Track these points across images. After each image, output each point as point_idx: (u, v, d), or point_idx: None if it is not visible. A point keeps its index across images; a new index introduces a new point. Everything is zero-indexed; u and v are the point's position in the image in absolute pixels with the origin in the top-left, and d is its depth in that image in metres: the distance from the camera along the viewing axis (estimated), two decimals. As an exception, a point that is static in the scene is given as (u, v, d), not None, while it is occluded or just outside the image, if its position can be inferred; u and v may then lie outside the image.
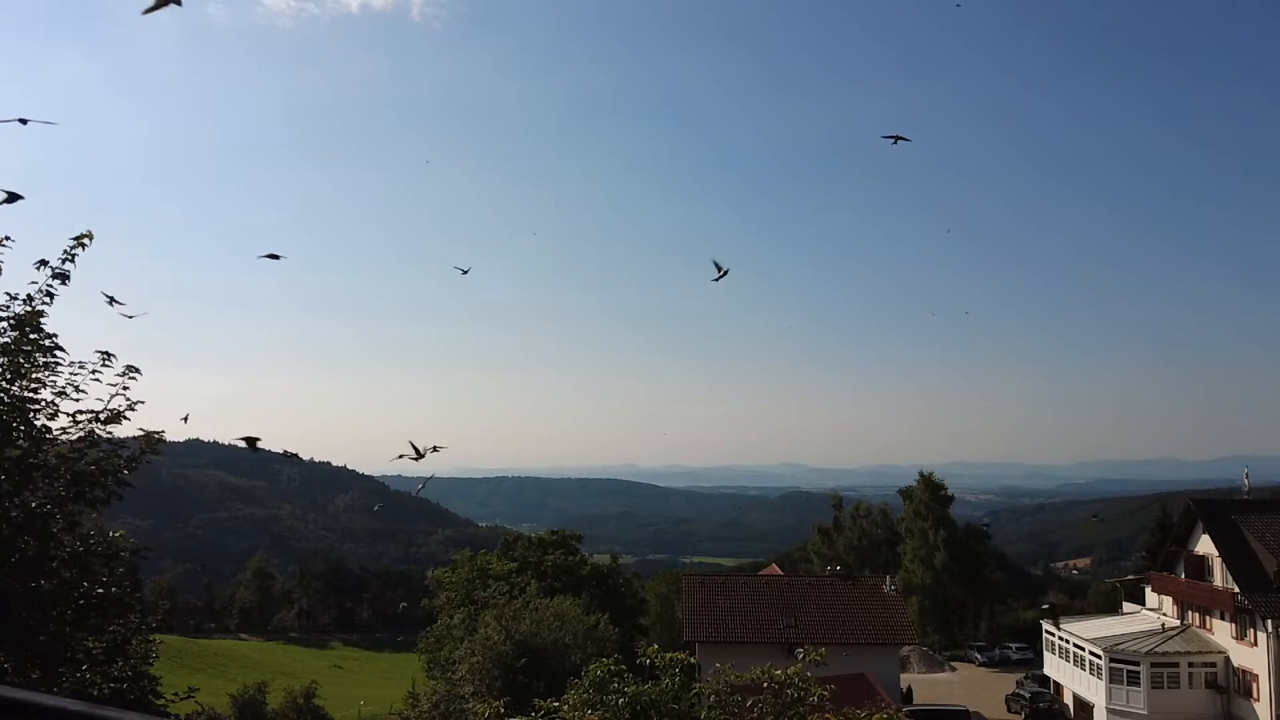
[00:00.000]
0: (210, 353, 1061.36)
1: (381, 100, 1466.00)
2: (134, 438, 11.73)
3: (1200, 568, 47.82)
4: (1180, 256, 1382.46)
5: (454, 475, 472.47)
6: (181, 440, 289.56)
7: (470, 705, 26.98)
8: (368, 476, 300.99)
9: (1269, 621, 42.06)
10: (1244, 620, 44.22)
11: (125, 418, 11.31)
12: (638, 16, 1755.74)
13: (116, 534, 11.96)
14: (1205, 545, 47.44)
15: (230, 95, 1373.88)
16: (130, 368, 11.25)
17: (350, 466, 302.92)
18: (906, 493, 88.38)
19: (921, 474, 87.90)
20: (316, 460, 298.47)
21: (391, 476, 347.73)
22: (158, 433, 11.69)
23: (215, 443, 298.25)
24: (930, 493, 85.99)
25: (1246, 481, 53.16)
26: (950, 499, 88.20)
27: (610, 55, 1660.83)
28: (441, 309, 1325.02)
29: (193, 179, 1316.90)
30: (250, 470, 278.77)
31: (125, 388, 11.23)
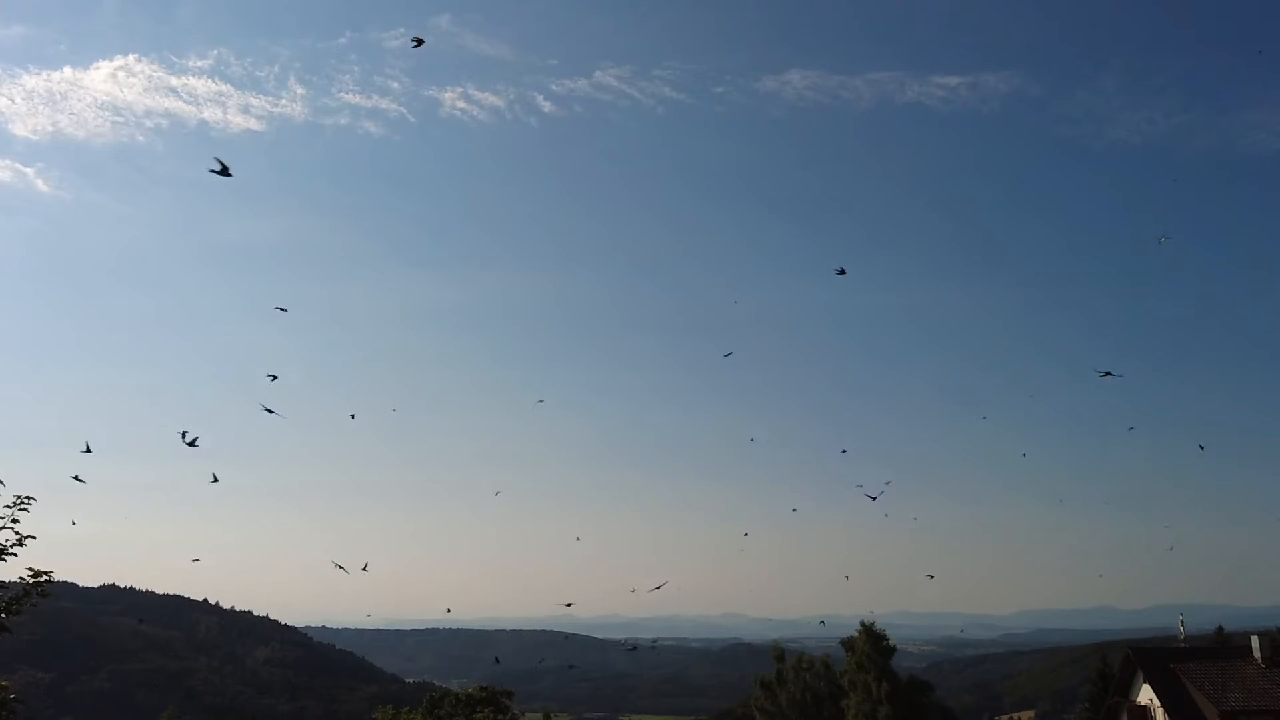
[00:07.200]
0: (124, 498, 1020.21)
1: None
2: (20, 580, 10.86)
3: (1143, 718, 47.20)
4: (1121, 407, 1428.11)
5: (380, 627, 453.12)
6: (96, 586, 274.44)
7: None
8: (290, 627, 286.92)
9: (1214, 775, 41.34)
10: (1189, 774, 43.41)
11: (12, 553, 10.50)
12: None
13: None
14: (1147, 695, 47.02)
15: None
16: (22, 497, 10.51)
17: (272, 616, 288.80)
18: (849, 643, 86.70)
19: (863, 624, 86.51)
20: (237, 609, 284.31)
21: (315, 628, 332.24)
22: (45, 572, 10.82)
23: (131, 589, 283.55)
24: (872, 643, 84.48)
25: (1182, 629, 53.17)
26: (892, 650, 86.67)
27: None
28: (368, 451, 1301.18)
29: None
30: (168, 619, 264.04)
31: (15, 520, 10.46)
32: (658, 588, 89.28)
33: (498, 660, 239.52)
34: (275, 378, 40.02)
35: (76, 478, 29.39)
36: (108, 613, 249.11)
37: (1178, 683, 45.62)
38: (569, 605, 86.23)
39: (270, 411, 27.60)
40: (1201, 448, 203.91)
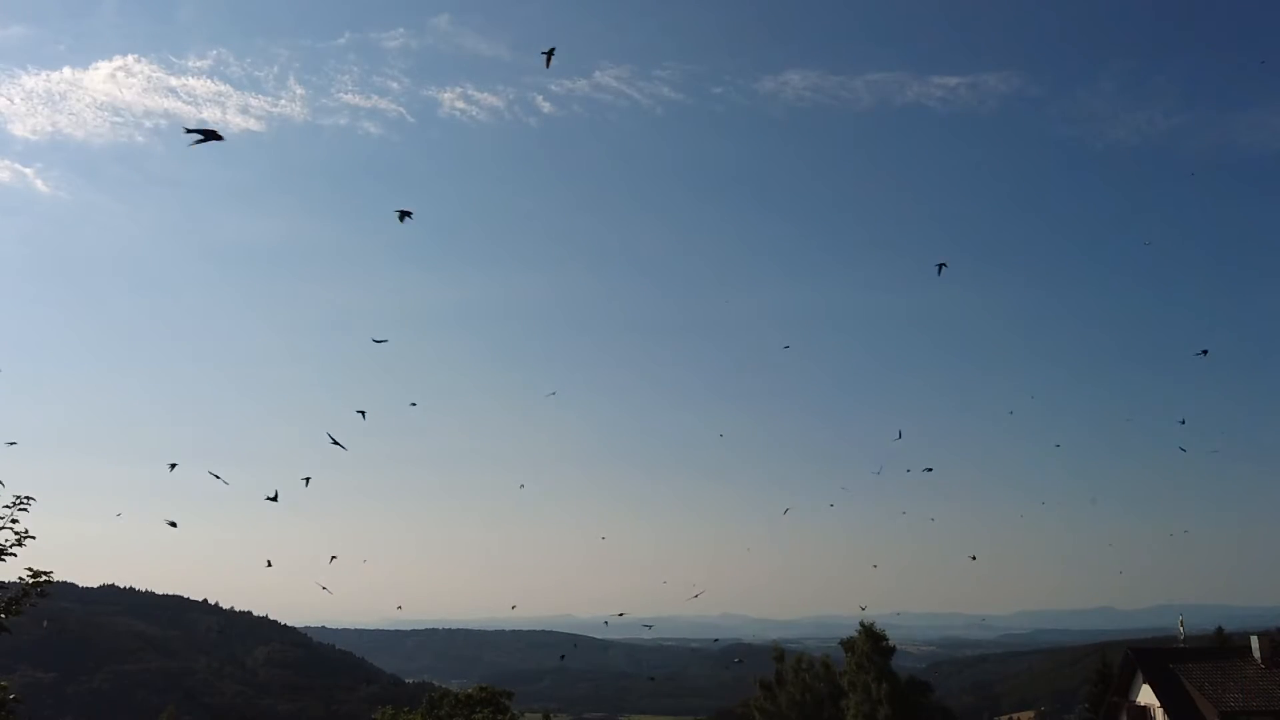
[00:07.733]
0: (124, 498, 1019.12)
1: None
2: (20, 580, 10.85)
3: (1143, 718, 47.18)
4: (1121, 407, 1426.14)
5: (380, 627, 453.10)
6: (96, 586, 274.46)
7: None
8: (290, 627, 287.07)
9: (1214, 776, 41.30)
10: (1189, 774, 43.36)
11: (11, 554, 10.49)
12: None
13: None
14: (1146, 695, 46.97)
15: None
16: (22, 497, 10.51)
17: (272, 617, 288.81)
18: (848, 644, 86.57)
19: (862, 624, 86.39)
20: (237, 609, 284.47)
21: (315, 628, 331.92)
22: (45, 572, 10.81)
23: (131, 589, 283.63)
24: (871, 644, 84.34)
25: (1182, 629, 53.16)
26: (892, 650, 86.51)
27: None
28: (368, 451, 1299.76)
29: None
30: (167, 620, 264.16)
31: (14, 520, 10.45)
32: (695, 596, 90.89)
33: (563, 658, 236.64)
34: (365, 414, 38.03)
35: (172, 523, 32.00)
36: (107, 613, 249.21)
37: (1177, 683, 45.58)
38: (621, 614, 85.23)
39: (336, 443, 28.05)
40: (1183, 449, 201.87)
